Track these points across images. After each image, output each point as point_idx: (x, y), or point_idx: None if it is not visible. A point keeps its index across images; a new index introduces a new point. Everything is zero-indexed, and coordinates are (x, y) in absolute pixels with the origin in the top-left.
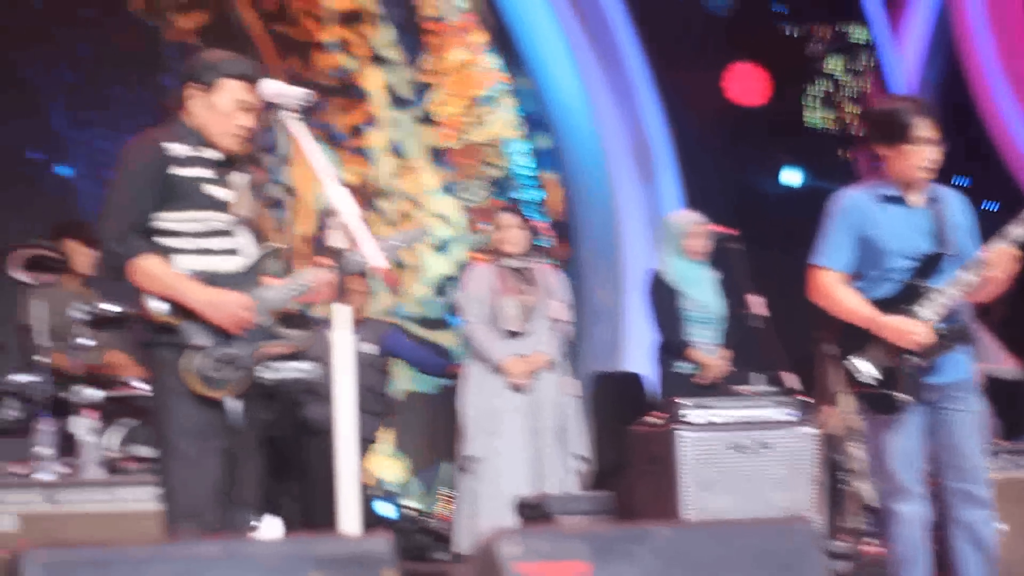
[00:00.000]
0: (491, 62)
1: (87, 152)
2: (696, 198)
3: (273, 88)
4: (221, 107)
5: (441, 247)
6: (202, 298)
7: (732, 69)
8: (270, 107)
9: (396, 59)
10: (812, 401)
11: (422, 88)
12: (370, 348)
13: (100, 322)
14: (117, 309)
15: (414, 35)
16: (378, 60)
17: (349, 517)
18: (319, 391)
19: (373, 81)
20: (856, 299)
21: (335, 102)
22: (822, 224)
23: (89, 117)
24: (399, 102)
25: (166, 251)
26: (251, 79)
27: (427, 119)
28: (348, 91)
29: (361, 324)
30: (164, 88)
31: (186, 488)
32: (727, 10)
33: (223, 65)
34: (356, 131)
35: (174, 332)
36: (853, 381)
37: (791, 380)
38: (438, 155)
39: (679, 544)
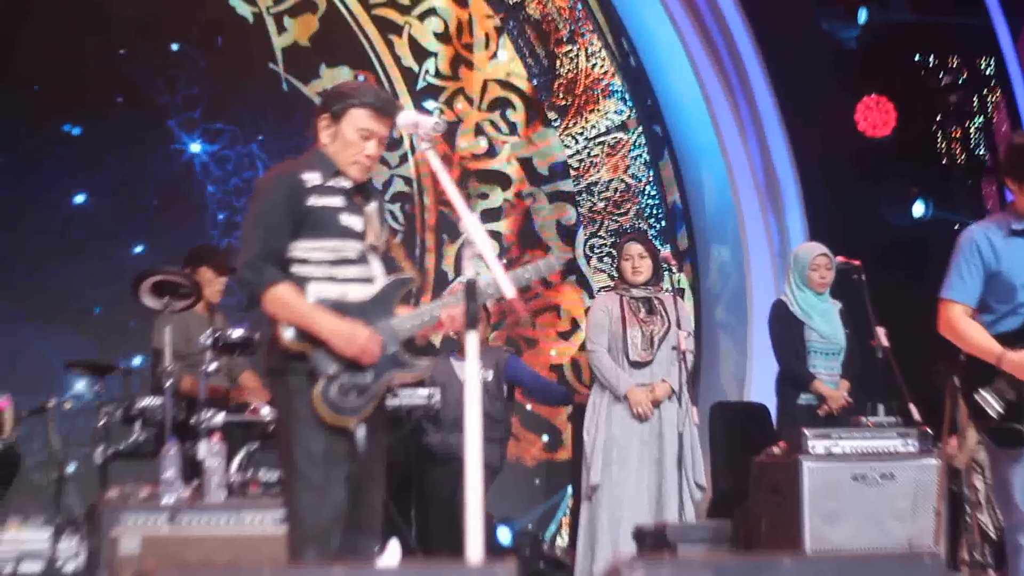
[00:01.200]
0: (619, 92)
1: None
2: (822, 230)
3: (408, 118)
4: (347, 136)
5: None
6: (332, 328)
7: (861, 101)
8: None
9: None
10: (935, 433)
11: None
12: (490, 376)
13: (227, 347)
14: (243, 334)
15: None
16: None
17: (474, 544)
18: (440, 418)
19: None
20: (982, 333)
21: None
22: (951, 257)
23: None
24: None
25: (299, 279)
26: (378, 108)
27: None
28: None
29: (481, 352)
30: None
31: (311, 513)
32: (857, 42)
33: (351, 95)
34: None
35: (305, 360)
36: (979, 414)
37: (915, 411)
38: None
39: (803, 575)
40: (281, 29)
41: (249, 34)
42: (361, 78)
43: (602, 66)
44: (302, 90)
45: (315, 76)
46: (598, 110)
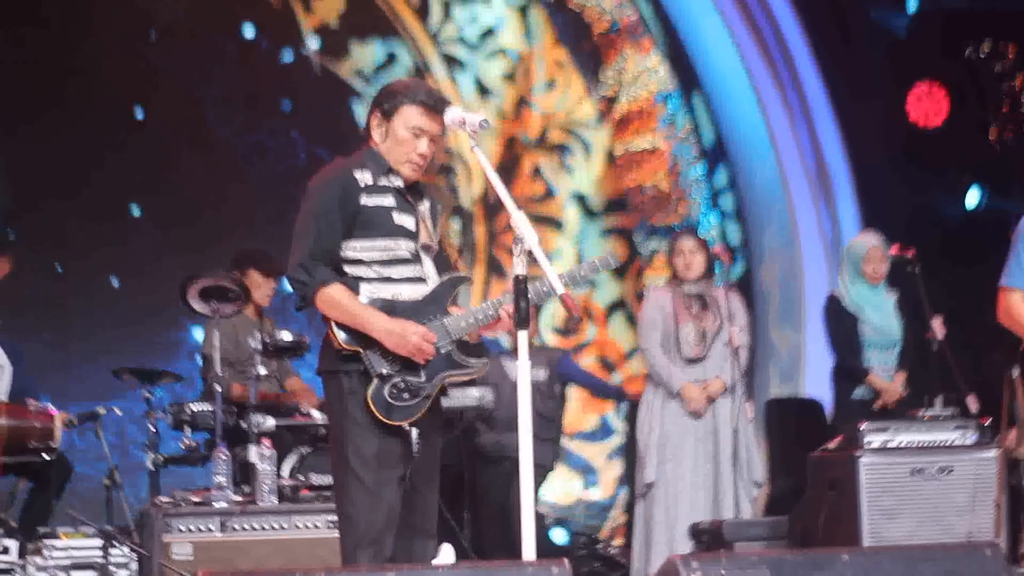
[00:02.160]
0: (665, 84)
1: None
2: (875, 220)
3: (455, 115)
4: (399, 134)
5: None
6: (385, 328)
7: (912, 90)
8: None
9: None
10: (994, 424)
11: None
12: (542, 375)
13: (276, 351)
14: (292, 338)
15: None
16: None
17: (528, 544)
18: (493, 418)
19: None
20: None
21: None
22: (1010, 245)
23: None
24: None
25: (352, 279)
26: (429, 105)
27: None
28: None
29: (533, 351)
30: None
31: (365, 516)
32: (907, 30)
33: (403, 92)
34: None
35: (358, 360)
36: None
37: (972, 403)
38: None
39: (862, 569)
40: (308, 10)
41: (276, 17)
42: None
43: (643, 34)
44: (334, 71)
45: (345, 54)
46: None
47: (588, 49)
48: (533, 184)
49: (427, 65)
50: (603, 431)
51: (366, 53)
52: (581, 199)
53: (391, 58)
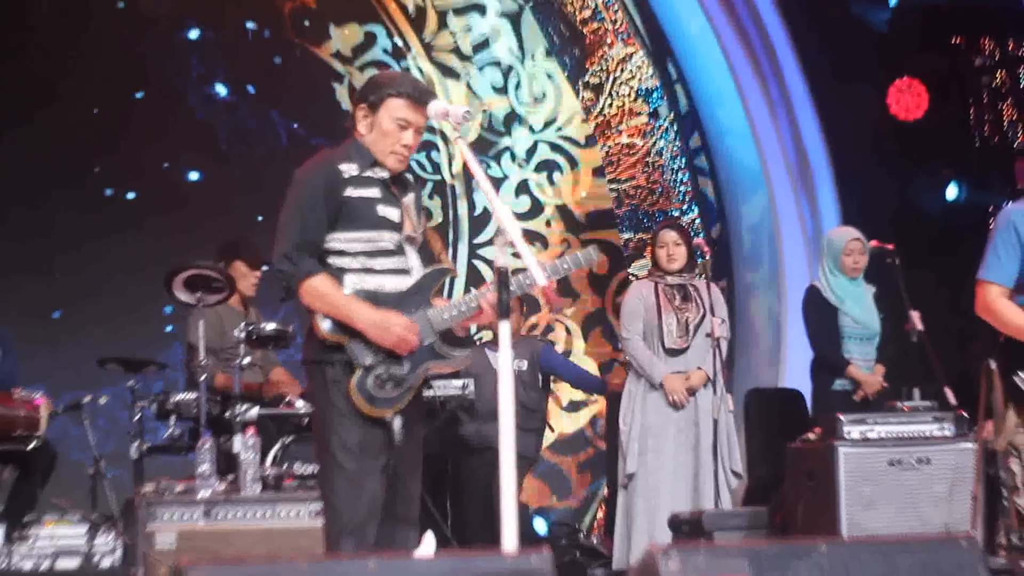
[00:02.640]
0: (647, 78)
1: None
2: (855, 213)
3: (438, 107)
4: (384, 126)
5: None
6: (369, 319)
7: (893, 84)
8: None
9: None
10: (971, 416)
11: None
12: (524, 366)
13: (260, 341)
14: (276, 328)
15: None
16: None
17: (509, 534)
18: (475, 409)
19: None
20: (1020, 314)
21: None
22: (987, 239)
23: None
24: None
25: (336, 270)
26: (414, 98)
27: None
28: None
29: (515, 342)
30: None
31: (348, 505)
32: (888, 24)
33: (388, 85)
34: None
35: (342, 351)
36: (1017, 396)
37: (950, 395)
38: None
39: (840, 560)
40: None
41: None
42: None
43: (625, 27)
44: (316, 53)
45: (326, 37)
46: (629, 87)
47: (576, 48)
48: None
49: (407, 44)
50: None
51: (346, 35)
52: (567, 214)
53: (369, 38)
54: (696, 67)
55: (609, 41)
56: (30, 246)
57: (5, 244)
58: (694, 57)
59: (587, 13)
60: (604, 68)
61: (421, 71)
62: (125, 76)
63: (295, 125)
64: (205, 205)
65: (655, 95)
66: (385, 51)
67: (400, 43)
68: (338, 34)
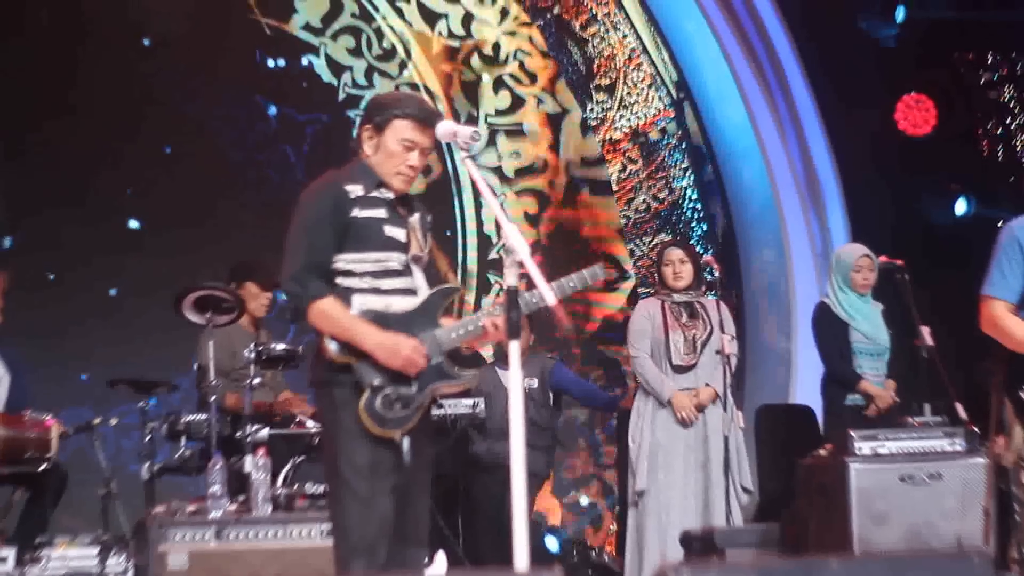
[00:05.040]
0: (656, 95)
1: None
2: (864, 229)
3: (446, 128)
4: (390, 147)
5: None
6: (376, 341)
7: (901, 99)
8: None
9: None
10: (982, 431)
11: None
12: (535, 383)
13: (271, 361)
14: (286, 348)
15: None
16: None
17: (520, 552)
18: (486, 427)
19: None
20: None
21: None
22: (992, 254)
23: None
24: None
25: (343, 291)
26: (420, 119)
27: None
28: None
29: (525, 360)
30: None
31: (358, 525)
32: (896, 40)
33: (394, 105)
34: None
35: (350, 372)
36: None
37: (961, 410)
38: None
39: None
40: None
41: None
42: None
43: (634, 46)
44: (284, 29)
45: (292, 12)
46: (640, 95)
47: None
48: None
49: (375, 5)
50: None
51: (310, 6)
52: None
53: (335, 5)
54: (704, 85)
55: (618, 58)
56: (39, 265)
57: (14, 263)
58: (702, 75)
59: (594, 28)
60: (612, 83)
61: (393, 30)
62: (131, 90)
63: (277, 109)
64: (216, 223)
65: (663, 113)
66: (353, 15)
67: (367, 4)
68: (303, 7)
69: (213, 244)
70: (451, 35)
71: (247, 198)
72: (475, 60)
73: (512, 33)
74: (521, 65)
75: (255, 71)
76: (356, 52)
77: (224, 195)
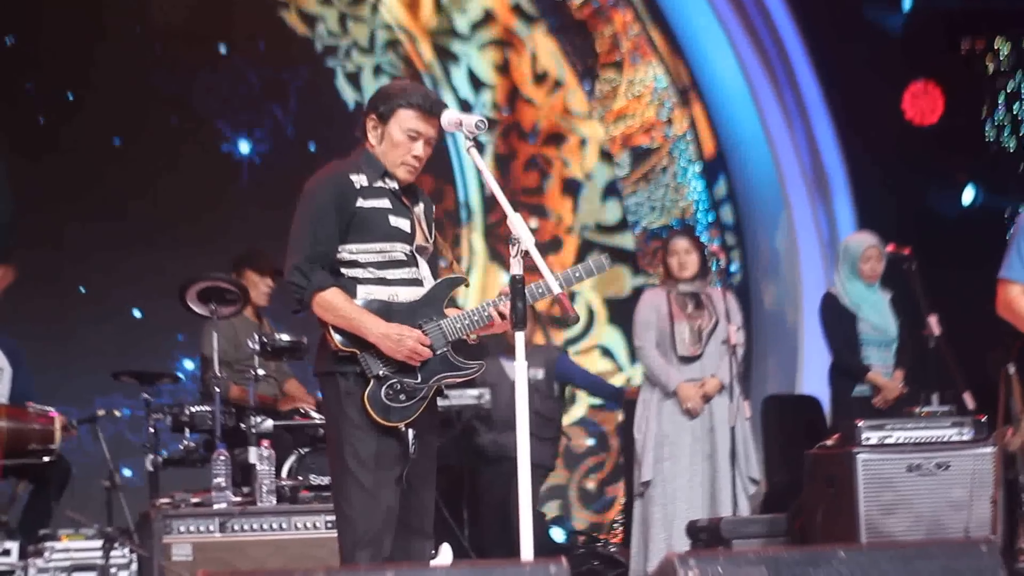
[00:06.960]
0: (663, 85)
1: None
2: (871, 218)
3: (451, 117)
4: (394, 137)
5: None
6: (381, 332)
7: (908, 88)
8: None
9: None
10: (991, 420)
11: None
12: (540, 375)
13: (275, 352)
14: (290, 338)
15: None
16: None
17: (526, 543)
18: (491, 418)
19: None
20: None
21: None
22: (1010, 239)
23: None
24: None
25: (348, 282)
26: (425, 108)
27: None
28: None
29: (531, 351)
30: None
31: (363, 516)
32: (902, 28)
33: (398, 96)
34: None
35: (355, 362)
36: None
37: (969, 400)
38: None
39: (859, 566)
40: None
41: None
42: None
43: (639, 35)
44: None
45: None
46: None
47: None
48: (526, 176)
49: None
50: None
51: None
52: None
53: None
54: (710, 74)
55: (623, 52)
56: (42, 259)
57: (17, 256)
58: (709, 65)
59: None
60: (617, 75)
61: None
62: (139, 89)
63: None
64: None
65: (669, 103)
66: None
67: None
68: None
69: (219, 236)
70: None
71: (248, 193)
72: None
73: None
74: None
75: (231, 36)
76: (326, 1)
77: (225, 189)
